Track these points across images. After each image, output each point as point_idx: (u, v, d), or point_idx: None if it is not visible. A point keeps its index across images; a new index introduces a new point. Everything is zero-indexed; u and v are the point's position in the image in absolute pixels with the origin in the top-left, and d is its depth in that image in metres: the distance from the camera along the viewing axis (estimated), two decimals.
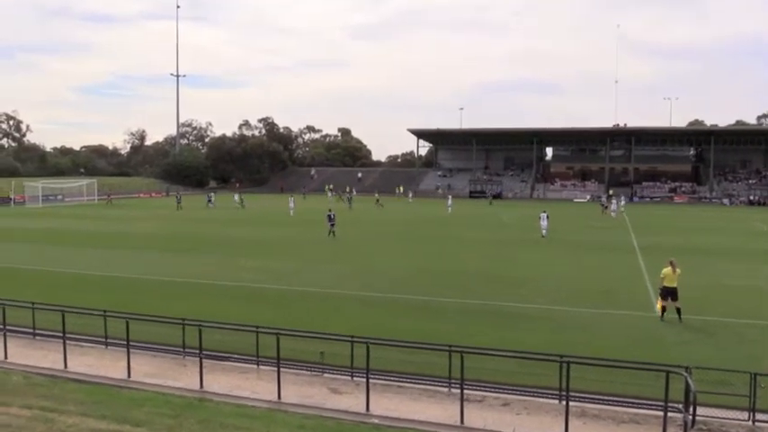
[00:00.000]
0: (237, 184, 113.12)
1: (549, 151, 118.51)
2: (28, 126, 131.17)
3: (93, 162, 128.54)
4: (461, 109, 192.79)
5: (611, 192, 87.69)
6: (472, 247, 35.79)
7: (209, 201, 72.10)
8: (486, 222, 53.42)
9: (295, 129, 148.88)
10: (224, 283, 24.09)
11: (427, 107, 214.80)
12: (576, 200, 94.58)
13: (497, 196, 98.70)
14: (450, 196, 77.90)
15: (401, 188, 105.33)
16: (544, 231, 41.27)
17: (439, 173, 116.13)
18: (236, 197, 75.78)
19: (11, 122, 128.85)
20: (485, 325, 18.11)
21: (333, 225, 41.39)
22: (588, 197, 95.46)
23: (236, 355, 14.64)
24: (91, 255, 32.28)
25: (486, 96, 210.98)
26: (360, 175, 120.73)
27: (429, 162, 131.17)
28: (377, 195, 69.55)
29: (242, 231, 44.45)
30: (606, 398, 11.99)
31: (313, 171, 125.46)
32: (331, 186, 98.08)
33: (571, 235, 42.84)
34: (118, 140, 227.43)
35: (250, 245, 36.66)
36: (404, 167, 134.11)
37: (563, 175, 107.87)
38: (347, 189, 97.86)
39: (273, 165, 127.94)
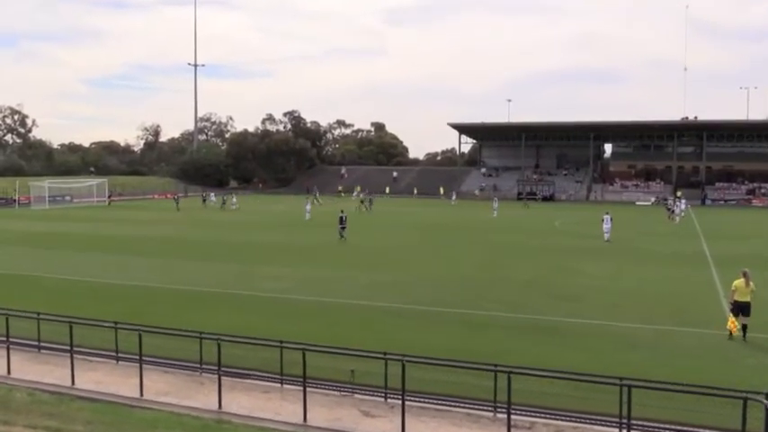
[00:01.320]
0: (260, 185, 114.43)
1: (609, 148, 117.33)
2: (34, 121, 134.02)
3: (103, 160, 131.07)
4: (509, 101, 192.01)
5: (678, 193, 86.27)
6: (521, 255, 35.70)
7: (205, 200, 73.11)
8: (537, 227, 53.06)
9: (324, 123, 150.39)
10: (243, 293, 24.36)
11: (470, 99, 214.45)
12: (638, 203, 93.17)
13: (549, 198, 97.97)
14: (496, 198, 78.25)
15: (442, 189, 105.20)
16: (607, 235, 42.68)
17: (483, 171, 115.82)
18: (233, 198, 76.81)
19: (15, 117, 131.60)
20: (535, 342, 17.97)
21: (343, 228, 42.08)
22: (653, 200, 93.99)
23: (257, 373, 14.76)
24: (101, 261, 32.93)
25: (537, 87, 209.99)
26: (395, 174, 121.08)
27: (472, 160, 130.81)
28: (361, 196, 69.10)
29: (259, 236, 45.00)
30: (672, 427, 11.78)
31: (343, 170, 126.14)
32: (359, 189, 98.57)
33: (633, 242, 42.30)
34: (130, 136, 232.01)
35: (269, 251, 37.10)
36: (444, 166, 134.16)
37: (624, 174, 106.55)
38: (360, 190, 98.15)
39: (300, 163, 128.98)
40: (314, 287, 25.77)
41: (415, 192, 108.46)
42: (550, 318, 20.78)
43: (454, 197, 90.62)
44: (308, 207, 60.61)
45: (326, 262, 33.09)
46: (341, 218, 42.59)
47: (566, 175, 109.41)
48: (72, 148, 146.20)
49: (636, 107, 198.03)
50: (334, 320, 20.45)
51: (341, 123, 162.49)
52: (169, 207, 73.78)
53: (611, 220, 43.38)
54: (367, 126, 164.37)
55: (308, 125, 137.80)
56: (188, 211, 69.51)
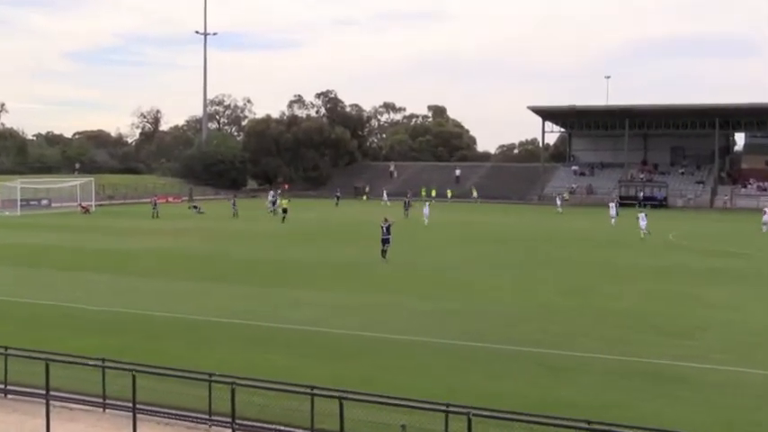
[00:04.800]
0: (286, 186, 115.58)
1: (740, 138, 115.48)
2: (3, 105, 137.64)
3: (90, 154, 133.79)
4: (607, 78, 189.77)
5: None
6: (621, 278, 35.45)
7: (235, 209, 74.25)
8: (644, 241, 52.45)
9: (367, 107, 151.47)
10: (264, 324, 24.58)
11: (556, 77, 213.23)
12: None
13: (662, 204, 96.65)
14: (613, 204, 72.95)
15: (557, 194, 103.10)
16: (643, 231, 53.98)
17: (574, 169, 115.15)
18: (232, 203, 78.27)
19: None
20: (644, 394, 17.77)
21: (386, 242, 41.59)
22: None
23: (281, 427, 14.81)
24: (86, 282, 33.55)
25: (644, 60, 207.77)
26: (458, 172, 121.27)
27: (559, 155, 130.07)
28: (286, 198, 71.67)
29: (283, 251, 45.52)
30: None
31: (392, 166, 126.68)
32: (408, 196, 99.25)
33: None
34: (123, 125, 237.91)
35: (296, 270, 37.51)
36: (522, 162, 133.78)
37: (761, 173, 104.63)
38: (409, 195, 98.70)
39: (337, 157, 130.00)
40: (352, 317, 25.91)
41: (475, 194, 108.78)
42: (661, 361, 20.48)
43: (560, 203, 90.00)
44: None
45: (368, 284, 33.24)
46: (383, 228, 42.16)
47: (682, 173, 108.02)
48: (51, 140, 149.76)
49: None
50: (377, 360, 20.50)
51: (389, 107, 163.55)
52: (172, 214, 75.00)
53: (646, 216, 55.31)
54: (422, 110, 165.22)
55: (347, 109, 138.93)
56: (202, 219, 70.46)
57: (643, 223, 55.02)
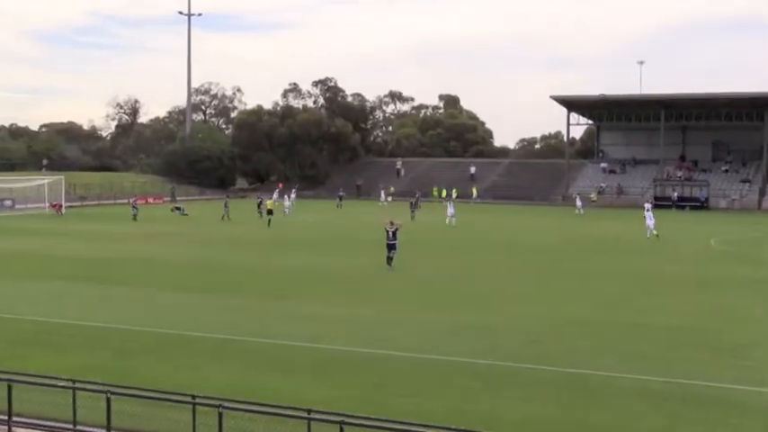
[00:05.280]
0: (280, 185, 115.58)
1: None
2: None
3: (59, 149, 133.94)
4: (641, 63, 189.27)
5: None
6: (661, 290, 35.39)
7: (262, 208, 74.36)
8: (684, 248, 52.45)
9: (371, 97, 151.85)
10: (257, 340, 24.50)
11: (583, 63, 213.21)
12: None
13: (702, 205, 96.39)
14: (648, 204, 71.04)
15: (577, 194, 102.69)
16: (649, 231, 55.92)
17: (603, 166, 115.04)
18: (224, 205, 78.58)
19: None
20: (683, 418, 17.67)
21: (392, 248, 41.14)
22: None
23: None
24: (55, 292, 33.52)
25: (682, 43, 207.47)
26: (473, 169, 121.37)
27: (586, 150, 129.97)
28: (271, 199, 71.88)
29: (279, 258, 45.61)
30: None
31: (399, 163, 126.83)
32: (416, 196, 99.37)
33: None
34: (97, 116, 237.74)
35: (294, 279, 37.51)
36: (545, 158, 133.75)
37: None
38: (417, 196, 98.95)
39: (337, 153, 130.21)
40: (355, 332, 25.88)
41: (475, 194, 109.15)
42: (709, 383, 20.34)
43: (579, 203, 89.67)
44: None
45: (371, 295, 33.34)
46: (388, 232, 41.67)
47: (726, 171, 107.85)
48: (14, 133, 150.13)
49: None
50: (383, 380, 20.41)
51: (395, 97, 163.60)
52: (152, 216, 75.00)
53: (653, 216, 57.86)
54: (433, 101, 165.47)
55: (349, 99, 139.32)
56: (186, 222, 70.36)
57: (650, 222, 57.62)
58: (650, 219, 57.99)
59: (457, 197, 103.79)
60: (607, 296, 33.51)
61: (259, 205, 76.17)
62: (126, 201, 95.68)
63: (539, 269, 41.74)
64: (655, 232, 56.40)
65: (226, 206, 74.78)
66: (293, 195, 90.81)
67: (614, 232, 63.77)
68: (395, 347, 23.75)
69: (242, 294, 33.16)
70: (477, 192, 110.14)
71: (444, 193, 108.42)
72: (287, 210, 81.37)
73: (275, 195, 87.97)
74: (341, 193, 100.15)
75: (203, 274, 39.36)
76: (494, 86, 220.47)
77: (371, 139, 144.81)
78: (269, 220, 67.47)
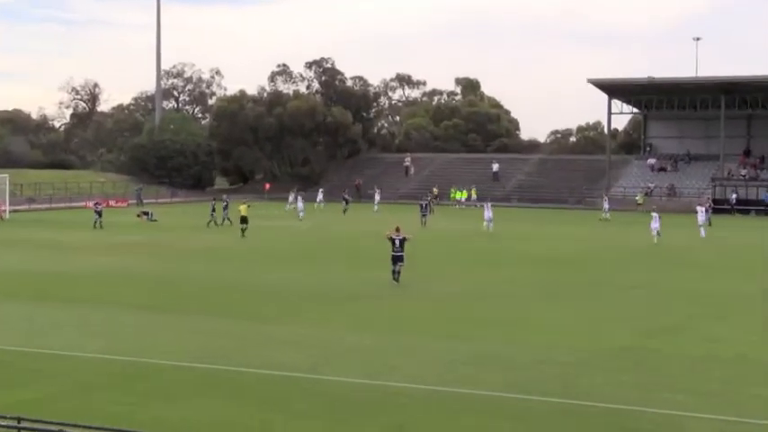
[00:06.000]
0: (267, 185, 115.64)
1: None
2: None
3: (3, 142, 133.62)
4: (697, 40, 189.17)
5: None
6: (723, 311, 35.37)
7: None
8: (748, 261, 52.48)
9: (375, 81, 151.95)
10: (244, 370, 24.47)
11: (627, 40, 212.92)
12: None
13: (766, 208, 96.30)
14: (703, 209, 71.59)
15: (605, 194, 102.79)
16: (655, 233, 61.17)
17: (651, 163, 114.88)
18: (299, 202, 79.85)
19: None
20: None
21: (398, 260, 40.73)
22: None
23: None
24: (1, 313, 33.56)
25: (746, 16, 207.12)
26: (496, 167, 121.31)
27: (631, 143, 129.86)
28: (245, 203, 69.64)
29: (268, 273, 45.66)
30: None
31: (408, 159, 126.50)
32: (429, 198, 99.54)
33: None
34: (49, 103, 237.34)
35: (279, 298, 37.52)
36: (582, 153, 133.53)
37: None
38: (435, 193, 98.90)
39: (335, 148, 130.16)
40: (353, 361, 25.87)
41: (474, 196, 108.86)
42: None
43: (606, 206, 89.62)
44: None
45: (374, 317, 33.36)
46: (393, 240, 41.04)
47: None
48: None
49: None
50: (387, 418, 20.37)
51: (404, 80, 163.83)
52: (115, 223, 75.00)
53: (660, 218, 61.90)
54: (448, 85, 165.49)
55: (348, 84, 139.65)
56: (155, 229, 70.20)
57: (655, 225, 62.14)
58: (656, 222, 62.38)
59: (466, 200, 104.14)
60: (659, 320, 33.35)
61: (213, 210, 75.07)
62: (83, 204, 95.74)
63: (574, 286, 41.70)
64: (658, 236, 61.62)
65: (213, 211, 74.47)
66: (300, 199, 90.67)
67: (665, 241, 63.63)
68: (401, 379, 23.68)
69: (221, 316, 33.08)
70: (477, 193, 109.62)
71: (465, 194, 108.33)
72: (300, 214, 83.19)
73: (291, 198, 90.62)
74: (346, 196, 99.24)
75: (175, 291, 39.32)
76: (521, 69, 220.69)
77: (375, 130, 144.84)
78: (243, 230, 65.01)
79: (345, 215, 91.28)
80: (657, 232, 61.77)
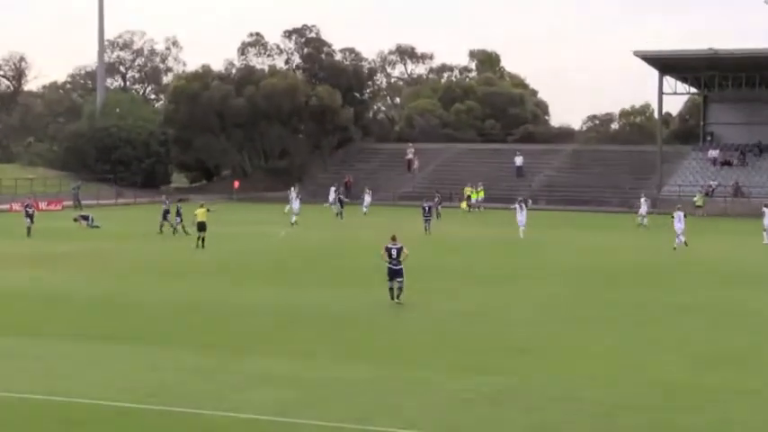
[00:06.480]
0: (236, 184, 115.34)
1: None
2: None
3: None
4: None
5: None
6: None
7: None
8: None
9: (370, 53, 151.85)
10: (207, 414, 24.44)
11: (683, 2, 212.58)
12: None
13: None
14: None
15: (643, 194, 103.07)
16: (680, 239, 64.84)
17: (712, 156, 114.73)
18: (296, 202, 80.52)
19: None
20: None
21: (396, 274, 40.93)
22: None
23: None
24: None
25: None
26: (519, 160, 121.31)
27: (688, 132, 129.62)
28: (202, 205, 68.88)
29: (231, 292, 45.44)
30: None
31: (411, 151, 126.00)
32: (474, 189, 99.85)
33: None
34: None
35: (252, 323, 37.53)
36: (627, 144, 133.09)
37: None
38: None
39: (319, 136, 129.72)
40: (343, 401, 25.87)
41: (474, 197, 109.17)
42: None
43: (645, 209, 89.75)
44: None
45: (373, 347, 33.34)
46: (390, 250, 41.16)
47: None
48: None
49: None
50: None
51: (405, 54, 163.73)
52: (48, 229, 74.98)
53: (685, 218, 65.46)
54: (461, 59, 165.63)
55: (338, 58, 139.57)
56: (97, 237, 70.33)
57: (679, 225, 65.46)
58: (680, 221, 65.51)
59: (469, 200, 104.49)
60: (716, 348, 33.29)
61: (165, 215, 75.60)
62: (7, 206, 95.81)
63: (613, 307, 41.69)
64: (676, 242, 64.76)
65: (167, 214, 74.46)
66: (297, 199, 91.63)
67: (727, 254, 63.80)
68: (401, 423, 23.67)
69: (181, 345, 32.98)
70: (484, 193, 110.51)
71: (474, 194, 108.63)
72: (293, 217, 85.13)
73: (293, 195, 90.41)
74: (341, 196, 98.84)
75: (123, 315, 39.14)
76: (551, 38, 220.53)
77: (370, 115, 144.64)
78: (201, 239, 64.44)
79: (340, 220, 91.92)
80: (682, 234, 64.74)
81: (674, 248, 63.65)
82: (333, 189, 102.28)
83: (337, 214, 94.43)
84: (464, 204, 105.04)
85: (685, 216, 66.81)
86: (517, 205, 76.31)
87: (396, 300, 40.83)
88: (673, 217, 66.37)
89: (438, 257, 56.25)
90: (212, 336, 35.01)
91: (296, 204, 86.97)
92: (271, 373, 28.90)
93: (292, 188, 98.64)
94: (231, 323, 37.60)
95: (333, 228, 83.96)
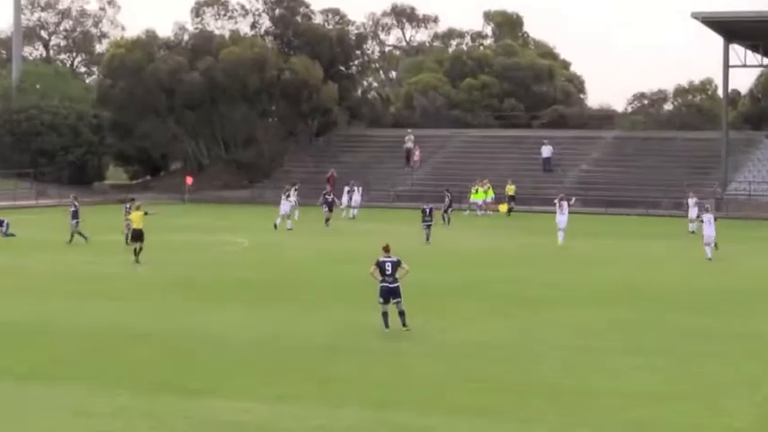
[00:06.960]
0: (189, 180, 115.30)
1: None
2: None
3: None
4: None
5: None
6: None
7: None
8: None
9: (358, 16, 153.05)
10: None
11: None
12: None
13: None
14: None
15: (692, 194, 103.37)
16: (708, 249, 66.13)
17: None
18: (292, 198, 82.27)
19: None
20: None
21: (391, 294, 40.69)
22: None
23: None
24: None
25: None
26: (546, 151, 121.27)
27: (760, 114, 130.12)
28: (137, 208, 68.51)
29: (188, 316, 45.54)
30: None
31: (410, 139, 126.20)
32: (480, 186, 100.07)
33: None
34: None
35: (216, 354, 37.30)
36: (684, 130, 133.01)
37: None
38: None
39: (295, 120, 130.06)
40: None
41: (478, 197, 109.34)
42: None
43: (694, 213, 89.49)
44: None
45: (363, 385, 32.78)
46: (382, 264, 41.04)
47: None
48: None
49: None
50: None
51: (403, 16, 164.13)
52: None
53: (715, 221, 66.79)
54: (473, 24, 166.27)
55: (317, 20, 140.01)
56: (12, 247, 70.42)
57: (710, 232, 66.95)
58: (710, 225, 66.53)
59: (478, 202, 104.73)
60: None
61: (75, 216, 75.78)
62: None
63: (668, 335, 41.43)
64: (707, 252, 66.75)
65: (74, 216, 74.59)
66: (293, 198, 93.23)
67: None
68: None
69: (121, 386, 32.22)
70: (494, 193, 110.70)
71: (479, 194, 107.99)
72: (288, 224, 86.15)
73: (293, 196, 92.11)
74: (329, 196, 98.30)
75: (47, 347, 38.70)
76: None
77: (359, 93, 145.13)
78: (136, 250, 64.11)
79: (327, 227, 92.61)
80: (713, 244, 66.36)
81: (709, 259, 65.25)
82: (290, 190, 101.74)
83: (326, 220, 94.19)
84: (504, 207, 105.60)
85: (716, 219, 67.41)
86: (557, 203, 76.54)
87: (403, 327, 40.56)
88: (702, 221, 67.85)
89: (443, 273, 56.05)
90: (158, 373, 34.38)
91: (285, 206, 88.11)
92: (233, 419, 28.35)
93: (293, 188, 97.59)
94: (182, 356, 37.17)
95: (314, 236, 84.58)
